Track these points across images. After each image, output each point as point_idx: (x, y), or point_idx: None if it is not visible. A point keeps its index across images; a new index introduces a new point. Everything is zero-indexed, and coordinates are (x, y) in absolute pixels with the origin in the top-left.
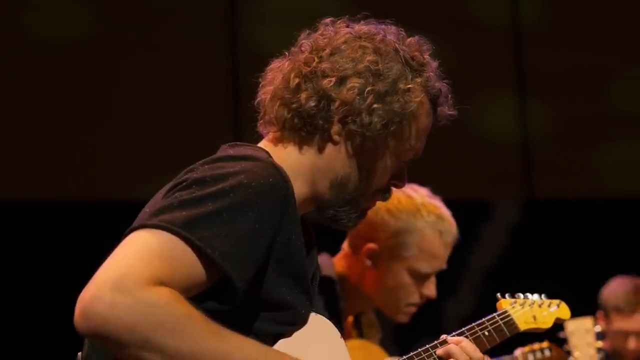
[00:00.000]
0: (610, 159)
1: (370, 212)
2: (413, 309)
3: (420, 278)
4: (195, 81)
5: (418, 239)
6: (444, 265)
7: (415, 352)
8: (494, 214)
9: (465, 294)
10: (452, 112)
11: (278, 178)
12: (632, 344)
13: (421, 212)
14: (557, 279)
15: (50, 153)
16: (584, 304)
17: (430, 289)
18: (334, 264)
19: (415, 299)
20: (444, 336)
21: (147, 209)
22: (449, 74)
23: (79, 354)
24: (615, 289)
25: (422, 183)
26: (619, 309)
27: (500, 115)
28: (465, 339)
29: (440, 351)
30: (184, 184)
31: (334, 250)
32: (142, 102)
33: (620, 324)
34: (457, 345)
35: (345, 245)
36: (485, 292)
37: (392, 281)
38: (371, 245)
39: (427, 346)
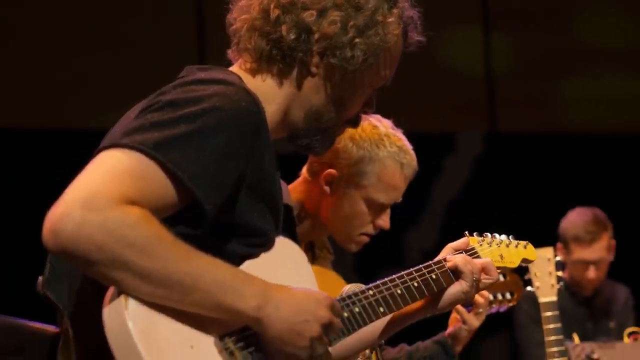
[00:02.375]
0: (572, 94)
1: None
2: (365, 239)
3: (375, 208)
4: (161, 14)
5: (379, 169)
6: (399, 198)
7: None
8: (457, 146)
9: (427, 226)
10: (420, 39)
11: (251, 103)
12: (591, 273)
13: (384, 142)
14: (518, 210)
15: (20, 82)
16: (544, 235)
17: (385, 220)
18: (290, 191)
19: (369, 229)
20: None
21: (117, 129)
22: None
23: (40, 277)
24: (574, 219)
25: (386, 115)
26: (578, 239)
27: (465, 48)
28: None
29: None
30: (156, 105)
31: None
32: (108, 35)
33: (580, 253)
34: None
35: (303, 171)
36: (447, 223)
37: (348, 208)
38: (331, 170)
39: (421, 266)
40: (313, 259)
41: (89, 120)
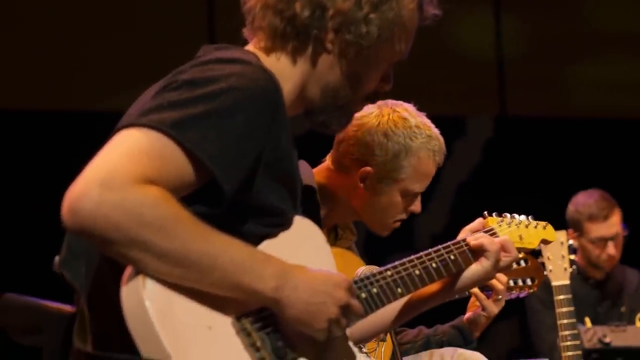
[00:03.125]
0: (582, 78)
1: (365, 134)
2: (398, 224)
3: (410, 196)
4: None
5: (414, 161)
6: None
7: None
8: (467, 130)
9: (436, 209)
10: (437, 12)
11: (268, 82)
12: (611, 249)
13: (416, 133)
14: (528, 194)
15: (29, 64)
16: (554, 218)
17: (417, 205)
18: (314, 174)
19: (403, 215)
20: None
21: (134, 109)
22: None
23: (56, 257)
24: (584, 200)
25: (396, 98)
26: (593, 217)
27: (476, 32)
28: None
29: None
30: (174, 85)
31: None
32: (118, 17)
33: (598, 231)
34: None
35: (329, 162)
36: (457, 207)
37: (385, 202)
38: (367, 168)
39: (439, 246)
40: (336, 239)
41: (98, 103)
